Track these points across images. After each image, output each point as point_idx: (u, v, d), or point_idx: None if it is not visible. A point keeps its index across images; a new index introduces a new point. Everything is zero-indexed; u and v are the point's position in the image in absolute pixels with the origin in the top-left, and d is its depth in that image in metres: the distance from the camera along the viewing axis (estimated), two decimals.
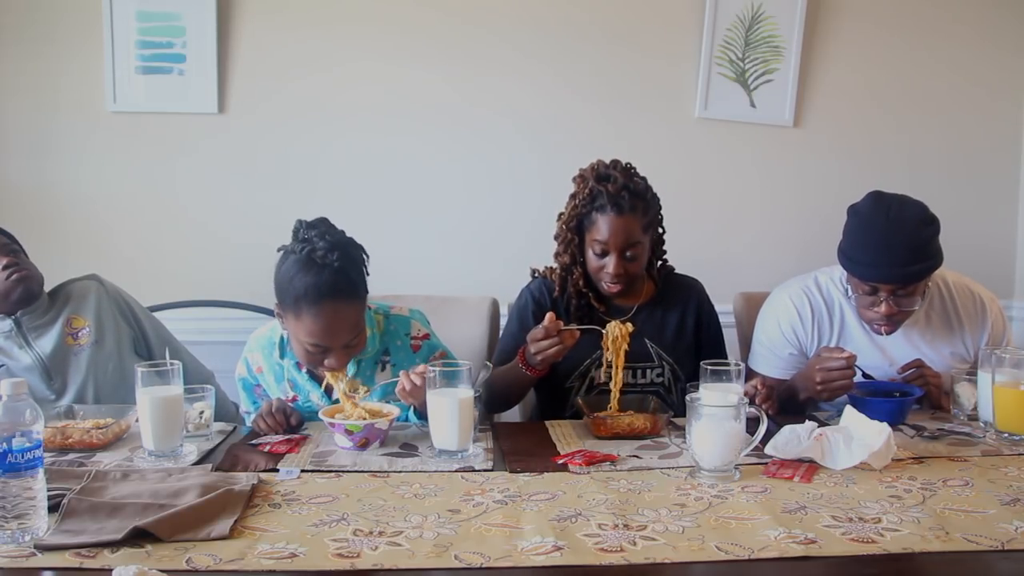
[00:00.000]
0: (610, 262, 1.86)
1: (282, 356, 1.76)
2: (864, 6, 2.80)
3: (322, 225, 1.63)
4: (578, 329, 1.71)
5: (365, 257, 1.66)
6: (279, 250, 1.66)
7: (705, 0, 2.68)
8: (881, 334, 1.83)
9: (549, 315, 1.68)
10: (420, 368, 1.57)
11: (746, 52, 2.74)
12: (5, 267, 1.81)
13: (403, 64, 2.68)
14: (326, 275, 1.56)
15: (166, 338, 2.02)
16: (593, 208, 1.87)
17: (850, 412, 1.52)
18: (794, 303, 1.92)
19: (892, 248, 1.69)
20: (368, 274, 1.67)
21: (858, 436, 1.42)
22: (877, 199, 1.78)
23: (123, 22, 2.59)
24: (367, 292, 1.67)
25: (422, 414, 1.63)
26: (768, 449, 1.44)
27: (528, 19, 2.70)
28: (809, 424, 1.46)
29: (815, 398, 1.78)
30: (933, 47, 2.84)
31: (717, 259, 2.65)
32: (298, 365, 1.76)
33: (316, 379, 1.76)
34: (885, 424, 1.43)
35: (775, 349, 1.95)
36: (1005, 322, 1.95)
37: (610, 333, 1.75)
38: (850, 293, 1.84)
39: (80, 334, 1.88)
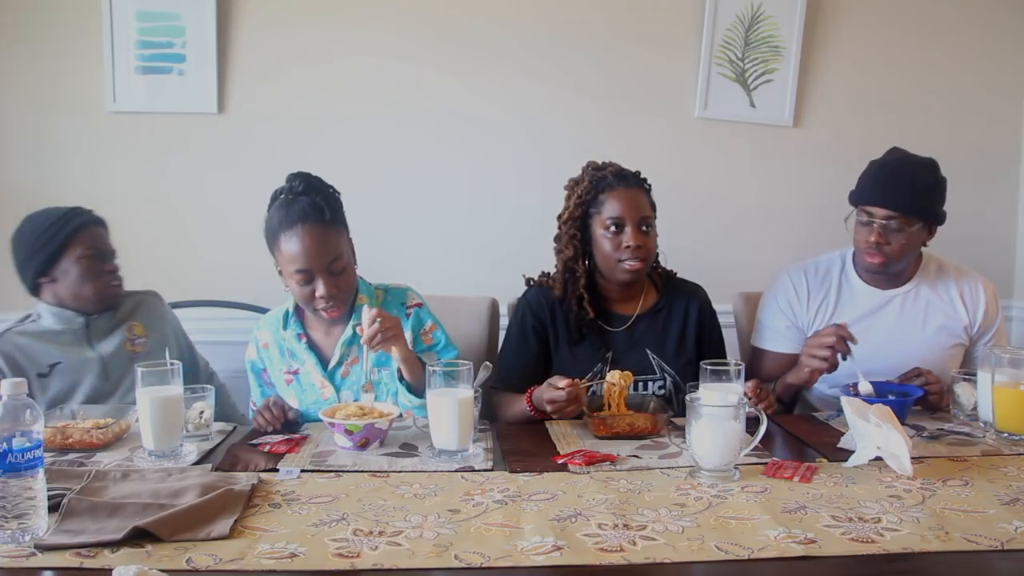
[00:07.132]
0: (628, 235, 1.83)
1: (284, 327, 1.88)
2: (864, 6, 2.80)
3: (292, 174, 1.79)
4: (586, 384, 1.70)
5: (333, 191, 1.81)
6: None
7: (705, 0, 2.69)
8: (872, 269, 1.92)
9: (568, 382, 1.63)
10: (372, 313, 1.64)
11: (746, 52, 2.74)
12: (111, 272, 1.91)
13: (403, 64, 2.68)
14: (294, 204, 1.74)
15: (205, 369, 2.11)
16: (599, 192, 1.87)
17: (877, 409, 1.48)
18: (791, 280, 2.05)
19: (891, 178, 1.86)
20: (339, 206, 1.81)
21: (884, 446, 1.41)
22: (896, 148, 1.94)
23: (123, 22, 2.59)
24: (340, 221, 1.80)
25: (417, 391, 1.66)
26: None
27: (527, 19, 2.70)
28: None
29: (799, 379, 1.82)
30: (933, 47, 2.84)
31: (716, 259, 2.65)
32: (299, 336, 1.86)
33: (313, 349, 1.85)
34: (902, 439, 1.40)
35: (774, 323, 2.05)
36: (999, 307, 2.00)
37: (616, 385, 1.70)
38: (853, 232, 1.93)
39: (138, 341, 1.95)
